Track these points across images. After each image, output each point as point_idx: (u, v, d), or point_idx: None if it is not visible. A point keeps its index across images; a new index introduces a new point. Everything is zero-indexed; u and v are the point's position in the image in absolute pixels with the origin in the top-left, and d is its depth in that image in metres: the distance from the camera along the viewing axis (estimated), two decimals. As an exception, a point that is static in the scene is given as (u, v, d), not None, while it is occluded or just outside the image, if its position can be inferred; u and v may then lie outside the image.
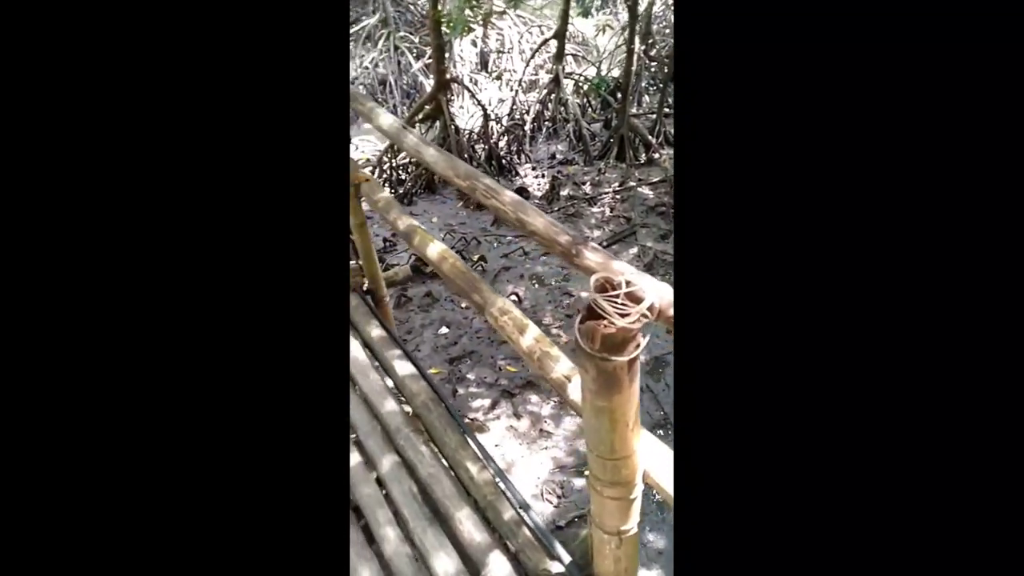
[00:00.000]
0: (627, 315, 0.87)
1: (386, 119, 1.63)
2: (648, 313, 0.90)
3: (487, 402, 3.73)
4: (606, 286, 0.91)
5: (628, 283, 0.92)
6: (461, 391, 3.83)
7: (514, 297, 4.46)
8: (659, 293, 0.95)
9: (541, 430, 3.53)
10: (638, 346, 0.90)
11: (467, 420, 3.68)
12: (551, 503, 3.17)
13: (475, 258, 4.80)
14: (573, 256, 1.02)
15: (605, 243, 5.01)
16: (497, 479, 1.51)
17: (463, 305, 4.50)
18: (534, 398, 3.73)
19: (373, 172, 5.75)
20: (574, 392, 1.20)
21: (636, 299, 0.93)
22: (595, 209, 5.55)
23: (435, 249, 1.69)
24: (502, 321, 1.43)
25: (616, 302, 0.89)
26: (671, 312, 0.90)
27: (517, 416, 3.61)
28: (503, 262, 4.98)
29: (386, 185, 5.78)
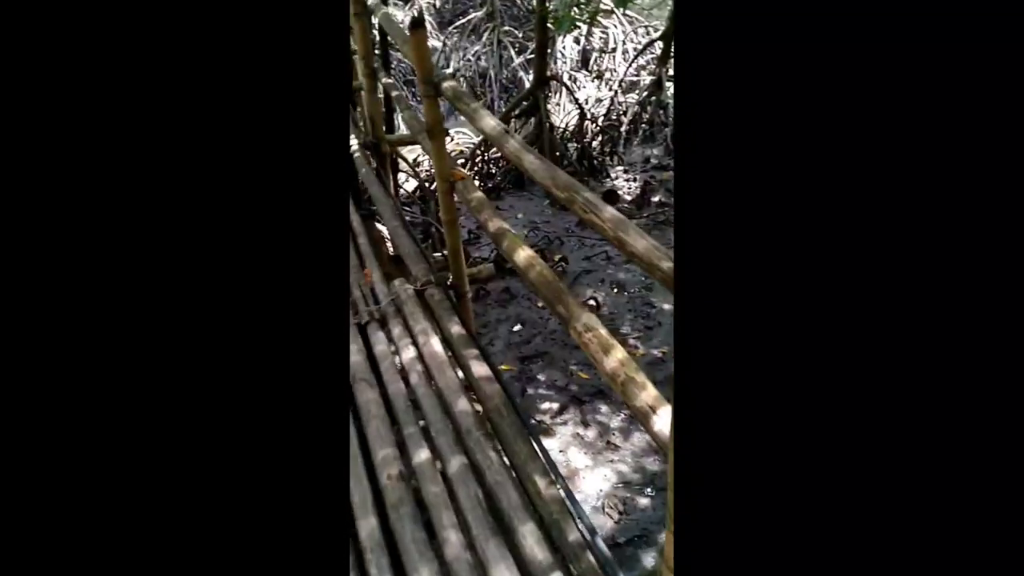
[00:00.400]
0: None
1: (489, 122, 1.61)
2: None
3: (555, 406, 3.69)
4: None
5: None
6: (530, 391, 3.81)
7: (593, 302, 4.39)
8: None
9: (608, 442, 3.45)
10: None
11: (533, 421, 3.66)
12: (612, 518, 3.10)
13: (556, 258, 4.76)
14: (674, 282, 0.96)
15: (693, 256, 4.82)
16: (565, 497, 1.48)
17: (539, 304, 4.47)
18: (604, 408, 3.65)
19: (465, 165, 5.82)
20: (659, 424, 1.14)
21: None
22: (686, 219, 5.36)
23: (523, 255, 1.66)
24: (586, 338, 1.39)
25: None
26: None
27: (585, 424, 3.55)
28: (585, 264, 4.91)
29: (476, 178, 5.84)
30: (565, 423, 3.63)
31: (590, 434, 3.50)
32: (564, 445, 3.49)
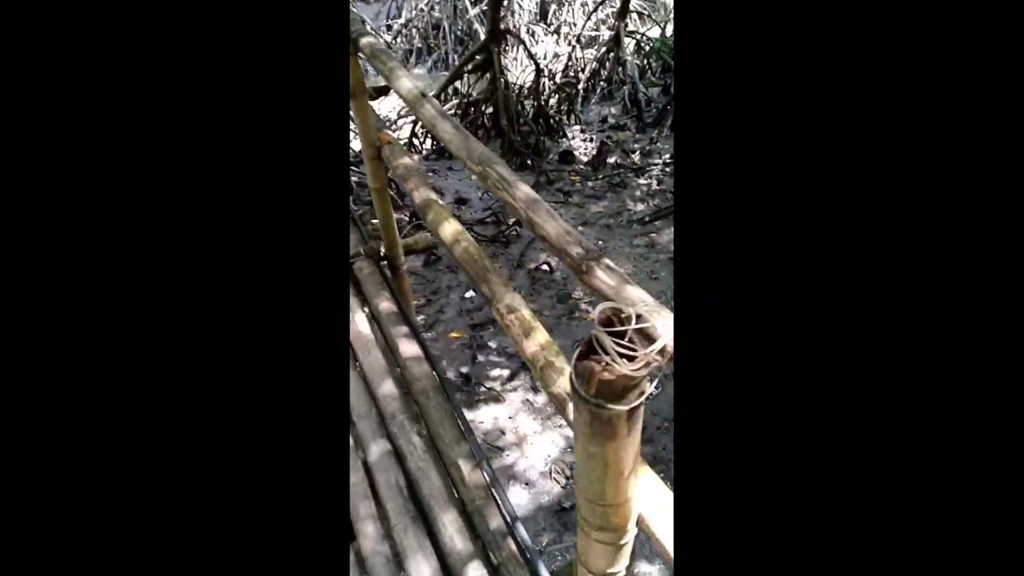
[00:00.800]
0: (633, 358, 0.74)
1: (405, 84, 1.48)
2: (660, 357, 0.76)
3: (506, 372, 3.66)
4: (612, 319, 0.77)
5: (639, 318, 0.78)
6: (481, 358, 3.76)
7: (546, 267, 4.33)
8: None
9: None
10: (642, 393, 0.77)
11: (484, 389, 3.62)
12: (559, 483, 3.11)
13: (511, 222, 4.66)
14: (583, 272, 0.88)
15: (647, 218, 4.78)
16: (489, 483, 1.43)
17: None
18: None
19: (416, 123, 5.59)
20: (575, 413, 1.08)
21: (648, 338, 0.80)
22: (642, 181, 5.30)
23: (449, 229, 1.56)
24: (508, 320, 1.31)
25: (623, 340, 0.76)
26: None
27: (535, 390, 3.53)
28: (539, 228, 4.82)
29: (426, 138, 5.62)
30: (515, 389, 3.60)
31: (540, 400, 3.48)
32: (514, 412, 3.47)
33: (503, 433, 3.37)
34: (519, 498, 3.03)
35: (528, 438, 3.30)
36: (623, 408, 0.75)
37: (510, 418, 3.43)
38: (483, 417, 3.45)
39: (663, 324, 0.81)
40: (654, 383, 0.79)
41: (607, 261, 0.89)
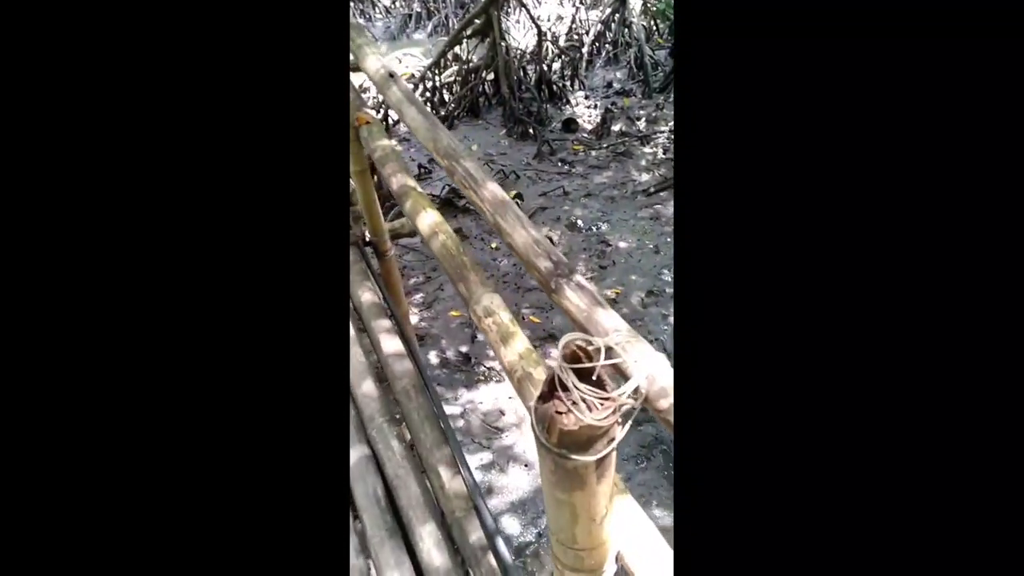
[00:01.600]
0: (603, 403, 0.65)
1: (372, 63, 1.35)
2: (633, 399, 0.67)
3: (505, 352, 3.59)
4: (578, 354, 0.68)
5: (610, 351, 0.68)
6: (481, 337, 3.69)
7: (548, 240, 4.20)
8: (652, 369, 0.71)
9: (557, 390, 3.37)
10: (612, 440, 0.68)
11: (483, 369, 3.55)
12: (558, 466, 3.06)
13: (512, 195, 4.52)
14: (551, 290, 0.78)
15: (652, 189, 4.62)
16: (471, 493, 1.35)
17: (493, 246, 4.28)
18: (554, 352, 3.56)
19: (416, 90, 5.41)
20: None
21: (622, 374, 0.70)
22: (647, 149, 5.11)
23: (428, 220, 1.45)
24: (485, 324, 1.22)
25: (590, 379, 0.66)
26: (666, 400, 0.67)
27: (535, 371, 3.46)
28: (541, 201, 4.68)
29: (428, 106, 5.45)
30: (515, 370, 3.53)
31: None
32: (512, 391, 3.41)
33: (503, 414, 3.32)
34: (518, 480, 2.99)
35: (525, 418, 3.24)
36: (589, 459, 0.66)
37: (510, 398, 3.37)
38: (482, 397, 3.39)
39: (639, 358, 0.71)
40: (626, 425, 0.70)
41: (578, 278, 0.79)
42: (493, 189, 0.97)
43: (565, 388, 0.67)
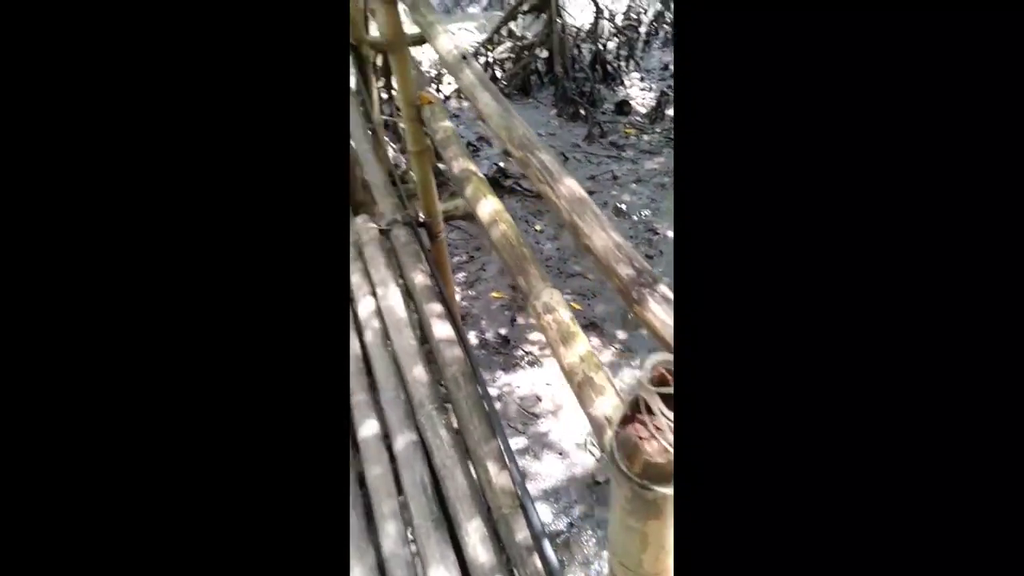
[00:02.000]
0: (688, 430, 0.60)
1: (444, 42, 1.31)
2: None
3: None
4: (667, 378, 0.63)
5: (700, 375, 0.63)
6: (521, 321, 3.66)
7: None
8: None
9: (597, 379, 3.33)
10: (696, 470, 0.64)
11: (522, 353, 3.53)
12: (593, 456, 3.04)
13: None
14: (633, 300, 0.74)
15: (706, 179, 4.48)
16: (519, 491, 1.33)
17: (537, 228, 4.23)
18: (596, 341, 3.50)
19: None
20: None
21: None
22: (702, 136, 4.95)
23: (488, 207, 1.42)
24: (545, 320, 1.18)
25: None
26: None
27: (575, 358, 3.43)
28: (589, 184, 4.59)
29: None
30: (555, 356, 3.50)
31: (579, 369, 3.38)
32: (551, 378, 3.39)
33: (539, 399, 3.30)
34: (552, 468, 2.98)
35: (564, 407, 3.22)
36: (672, 492, 0.62)
37: (547, 384, 3.34)
38: (520, 382, 3.37)
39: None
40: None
41: (664, 288, 0.74)
42: (570, 185, 0.92)
43: (650, 412, 0.63)
